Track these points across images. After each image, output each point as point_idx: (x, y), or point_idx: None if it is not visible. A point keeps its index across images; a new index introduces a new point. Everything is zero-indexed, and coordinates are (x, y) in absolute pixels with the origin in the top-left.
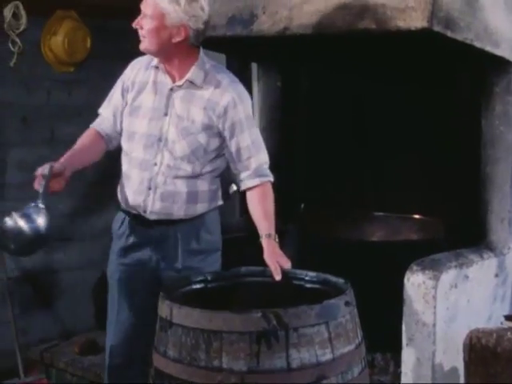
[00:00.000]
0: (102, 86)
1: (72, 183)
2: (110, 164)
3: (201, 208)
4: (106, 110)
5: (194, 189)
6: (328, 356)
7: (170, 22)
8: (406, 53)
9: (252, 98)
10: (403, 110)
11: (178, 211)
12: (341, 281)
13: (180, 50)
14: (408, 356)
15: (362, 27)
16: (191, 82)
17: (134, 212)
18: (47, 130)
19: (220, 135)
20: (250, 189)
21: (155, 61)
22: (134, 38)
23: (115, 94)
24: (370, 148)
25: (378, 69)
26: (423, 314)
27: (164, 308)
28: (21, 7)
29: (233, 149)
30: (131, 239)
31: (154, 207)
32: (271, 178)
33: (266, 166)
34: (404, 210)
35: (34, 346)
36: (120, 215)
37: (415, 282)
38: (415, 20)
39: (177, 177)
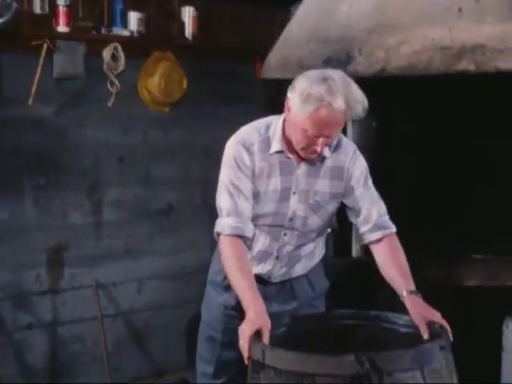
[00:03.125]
0: (197, 126)
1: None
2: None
3: (315, 262)
4: (241, 205)
5: (313, 249)
6: None
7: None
8: (504, 95)
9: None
10: (504, 151)
11: (298, 271)
12: (436, 325)
13: None
14: None
15: (460, 69)
16: (324, 157)
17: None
18: (143, 169)
19: (343, 195)
20: (373, 243)
21: (276, 145)
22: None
23: (242, 183)
24: (466, 188)
25: (476, 110)
26: None
27: (256, 350)
28: (119, 49)
29: (353, 202)
30: None
31: (278, 273)
32: (394, 229)
33: (387, 217)
34: (504, 253)
35: None
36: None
37: None
38: None
39: (303, 244)
